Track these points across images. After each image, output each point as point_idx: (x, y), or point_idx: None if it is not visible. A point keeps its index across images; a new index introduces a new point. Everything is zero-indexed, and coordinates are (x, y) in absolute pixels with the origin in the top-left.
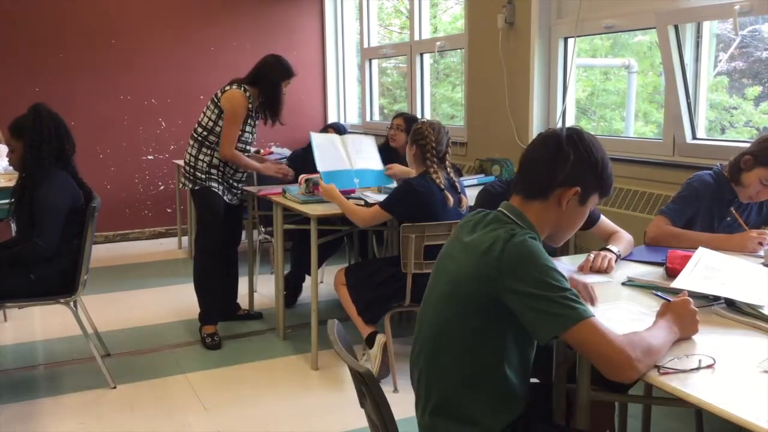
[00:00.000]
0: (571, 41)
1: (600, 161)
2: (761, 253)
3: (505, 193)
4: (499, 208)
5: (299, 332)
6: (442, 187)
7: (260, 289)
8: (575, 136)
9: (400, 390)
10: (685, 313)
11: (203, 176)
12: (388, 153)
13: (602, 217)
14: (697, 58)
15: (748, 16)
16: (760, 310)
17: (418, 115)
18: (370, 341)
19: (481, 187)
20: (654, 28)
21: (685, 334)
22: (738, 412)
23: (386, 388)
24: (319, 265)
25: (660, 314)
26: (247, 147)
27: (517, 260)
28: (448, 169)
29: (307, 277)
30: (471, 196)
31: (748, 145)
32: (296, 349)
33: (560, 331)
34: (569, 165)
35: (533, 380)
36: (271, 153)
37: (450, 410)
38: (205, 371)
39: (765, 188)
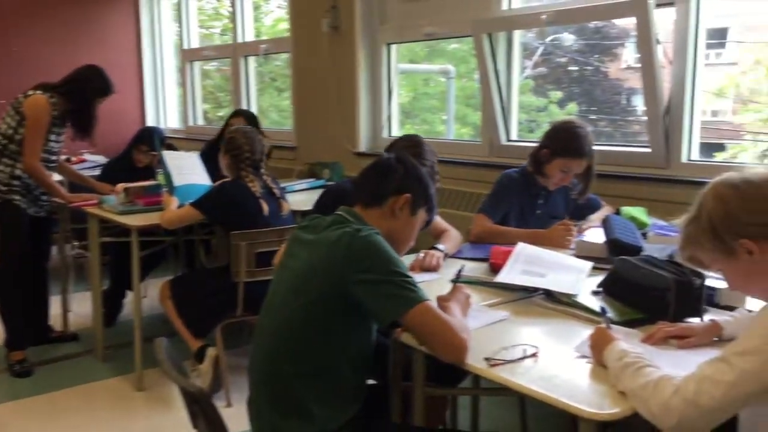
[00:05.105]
0: (394, 47)
1: (424, 177)
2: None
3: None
4: (338, 212)
5: (120, 352)
6: (258, 195)
7: (75, 308)
8: (403, 156)
9: (234, 404)
10: (464, 299)
11: (4, 188)
12: None
13: (436, 217)
14: (508, 66)
15: (554, 26)
16: (574, 299)
17: None
18: (199, 356)
19: (310, 190)
20: (471, 36)
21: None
22: (561, 397)
23: (219, 403)
24: (142, 278)
25: (445, 300)
26: (52, 158)
27: (365, 252)
28: (265, 176)
29: (128, 292)
30: (302, 200)
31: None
32: (118, 371)
33: (402, 310)
34: (399, 176)
35: (370, 382)
36: (84, 161)
37: (287, 404)
38: (16, 401)
39: (566, 175)
